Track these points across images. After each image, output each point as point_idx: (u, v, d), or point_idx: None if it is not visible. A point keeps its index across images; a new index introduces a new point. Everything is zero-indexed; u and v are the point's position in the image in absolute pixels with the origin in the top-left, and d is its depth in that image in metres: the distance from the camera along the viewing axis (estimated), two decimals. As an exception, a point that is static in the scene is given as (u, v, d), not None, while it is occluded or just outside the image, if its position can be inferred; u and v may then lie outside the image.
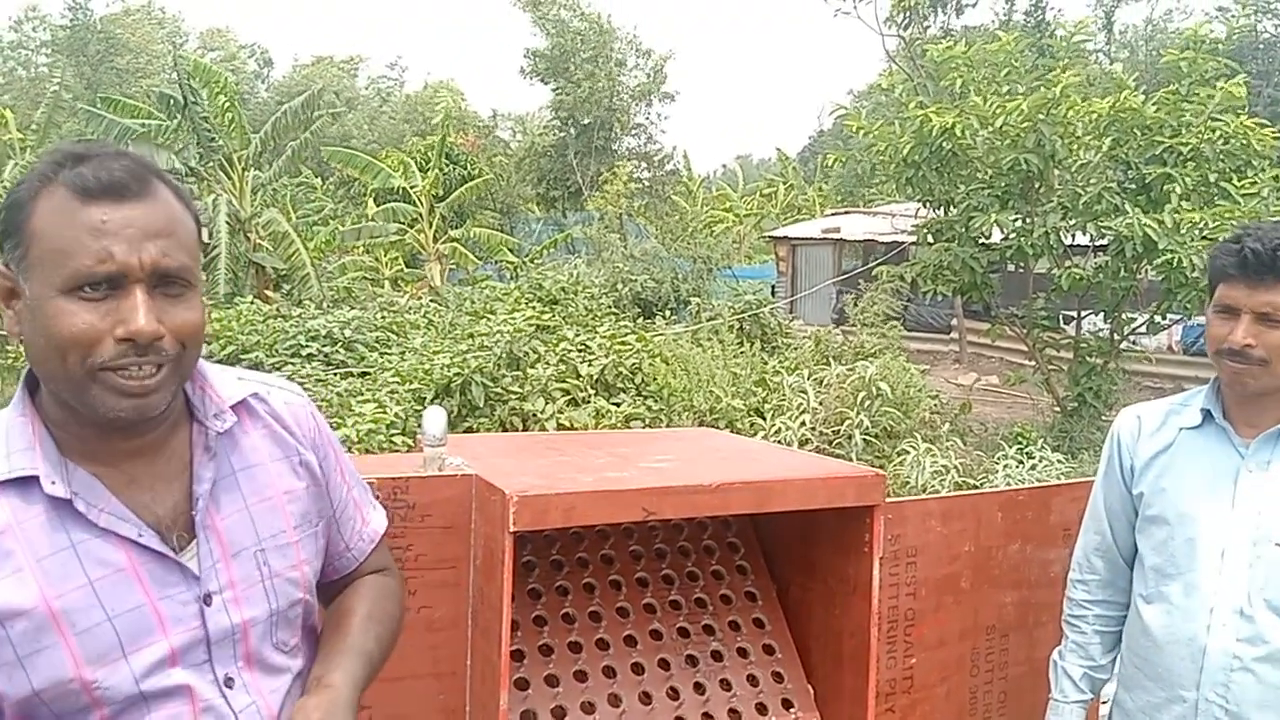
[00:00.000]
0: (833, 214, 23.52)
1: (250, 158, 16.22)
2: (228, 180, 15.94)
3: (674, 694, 2.15)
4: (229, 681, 1.21)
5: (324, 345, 10.43)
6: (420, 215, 20.34)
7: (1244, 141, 9.09)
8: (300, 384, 9.65)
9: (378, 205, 20.23)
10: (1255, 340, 1.79)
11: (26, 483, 1.13)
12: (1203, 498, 1.90)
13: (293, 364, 9.91)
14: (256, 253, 15.28)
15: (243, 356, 10.22)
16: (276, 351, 10.31)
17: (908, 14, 19.25)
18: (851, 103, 29.83)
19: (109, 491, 1.16)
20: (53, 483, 1.13)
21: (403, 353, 10.08)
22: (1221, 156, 9.16)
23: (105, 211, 1.10)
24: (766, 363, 10.72)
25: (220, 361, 10.64)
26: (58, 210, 1.10)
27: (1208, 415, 1.94)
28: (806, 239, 21.35)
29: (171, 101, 16.07)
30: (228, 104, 16.01)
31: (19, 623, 1.10)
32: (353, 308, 13.26)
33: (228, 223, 14.64)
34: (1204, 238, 8.60)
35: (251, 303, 12.60)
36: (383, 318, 12.21)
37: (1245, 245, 1.80)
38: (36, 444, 1.15)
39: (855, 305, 13.48)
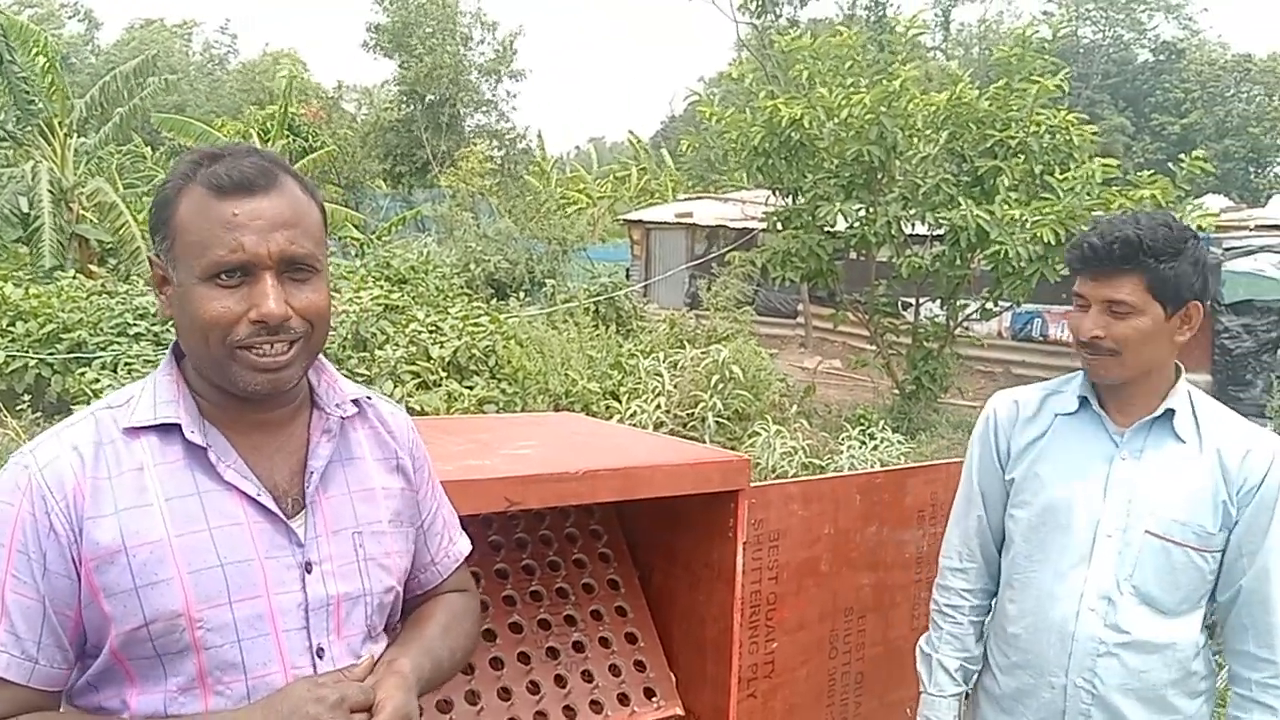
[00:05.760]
0: (685, 199, 23.75)
1: (74, 123, 15.07)
2: (48, 146, 14.78)
3: (534, 688, 2.09)
4: (320, 651, 1.29)
5: (153, 324, 9.79)
6: (260, 188, 19.35)
7: (1067, 137, 9.63)
8: (128, 365, 8.97)
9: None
10: (1104, 331, 1.83)
11: (168, 430, 1.26)
12: (1076, 484, 1.92)
13: (119, 343, 9.26)
14: (80, 224, 14.21)
15: (64, 335, 9.46)
16: (101, 330, 9.60)
17: (761, 1, 19.56)
18: (704, 89, 30.20)
19: (236, 452, 1.28)
20: (193, 432, 1.25)
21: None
22: (1047, 151, 9.67)
23: (236, 205, 1.22)
24: (622, 346, 10.73)
25: (38, 341, 9.83)
26: (196, 206, 1.22)
27: (1084, 402, 1.96)
28: (660, 223, 21.49)
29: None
30: (48, 65, 14.82)
31: (142, 552, 1.20)
32: (185, 284, 12.49)
33: (49, 192, 13.55)
34: (1027, 230, 9.05)
35: (74, 278, 11.72)
36: (218, 295, 11.55)
37: (1085, 240, 1.84)
38: (180, 399, 1.28)
39: (708, 290, 13.65)
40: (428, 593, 1.54)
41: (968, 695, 2.16)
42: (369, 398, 1.46)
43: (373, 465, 1.41)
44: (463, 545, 1.60)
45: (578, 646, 2.17)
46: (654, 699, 2.17)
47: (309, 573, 1.29)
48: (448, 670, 1.45)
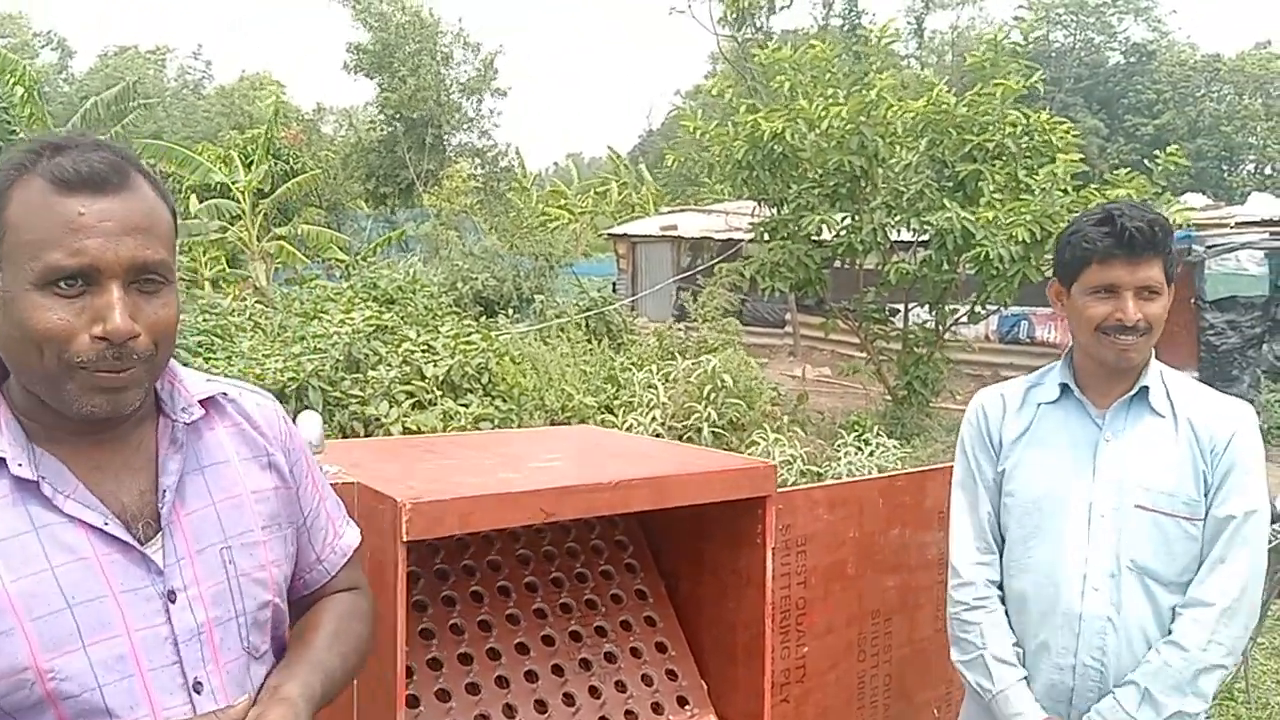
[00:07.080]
0: (669, 211, 23.82)
1: (53, 152, 15.03)
2: (27, 175, 14.73)
3: (569, 700, 2.09)
4: (198, 686, 1.17)
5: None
6: (243, 212, 19.33)
7: (1046, 138, 9.71)
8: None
9: (200, 202, 19.10)
10: (1142, 314, 1.89)
11: None
12: (1066, 469, 1.99)
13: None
14: (61, 253, 14.16)
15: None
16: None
17: (740, 14, 19.66)
18: (681, 102, 30.37)
19: (75, 478, 1.14)
20: (20, 465, 1.11)
21: (229, 357, 9.48)
22: (1027, 153, 9.74)
23: (82, 204, 1.08)
24: (614, 360, 10.73)
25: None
26: (34, 201, 1.08)
27: (1064, 389, 2.04)
28: (645, 236, 21.55)
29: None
30: (26, 95, 14.78)
31: None
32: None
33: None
34: (1003, 230, 9.09)
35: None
36: (204, 321, 11.48)
37: (1124, 225, 1.87)
38: (4, 426, 1.13)
39: (694, 301, 13.68)
40: (315, 593, 1.43)
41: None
42: (225, 394, 1.32)
43: (240, 467, 1.28)
44: (350, 538, 1.48)
45: (610, 657, 2.18)
46: (687, 707, 2.18)
47: (173, 602, 1.16)
48: (341, 680, 1.33)
